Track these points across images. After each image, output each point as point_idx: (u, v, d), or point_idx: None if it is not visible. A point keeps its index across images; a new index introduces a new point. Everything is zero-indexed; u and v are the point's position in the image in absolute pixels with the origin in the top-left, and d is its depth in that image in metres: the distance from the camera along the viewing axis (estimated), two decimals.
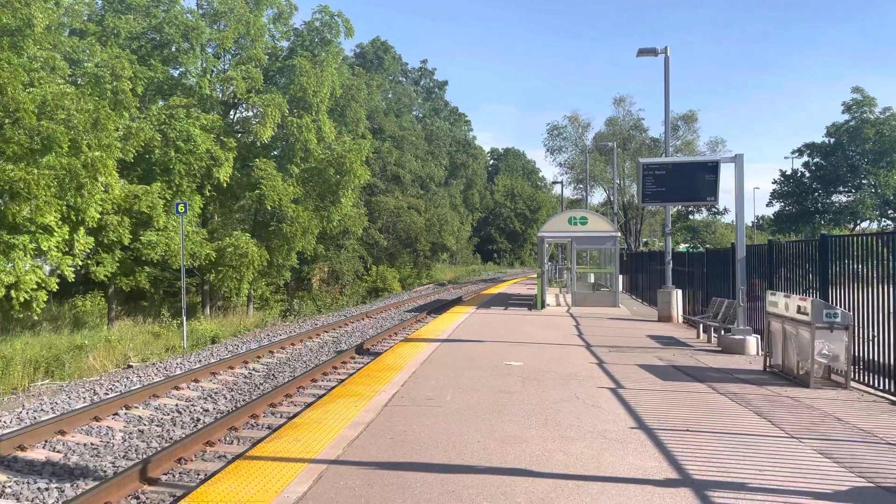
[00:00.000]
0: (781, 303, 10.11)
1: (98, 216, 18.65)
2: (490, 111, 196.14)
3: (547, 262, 28.43)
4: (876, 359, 8.87)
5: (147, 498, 6.88)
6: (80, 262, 19.06)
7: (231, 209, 29.26)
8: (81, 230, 18.41)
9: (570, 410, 7.63)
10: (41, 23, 18.36)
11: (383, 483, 5.25)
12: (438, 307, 28.49)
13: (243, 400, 11.77)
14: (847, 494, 5.03)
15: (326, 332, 20.96)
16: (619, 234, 27.89)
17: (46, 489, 7.23)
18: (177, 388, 12.12)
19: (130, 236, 20.72)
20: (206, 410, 10.94)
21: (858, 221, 50.78)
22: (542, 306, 22.16)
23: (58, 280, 17.61)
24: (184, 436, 9.15)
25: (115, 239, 20.29)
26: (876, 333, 8.80)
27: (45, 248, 16.88)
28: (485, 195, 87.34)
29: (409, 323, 22.50)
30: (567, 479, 5.33)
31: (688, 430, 6.80)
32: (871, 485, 5.24)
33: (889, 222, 49.98)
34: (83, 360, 15.37)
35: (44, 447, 8.64)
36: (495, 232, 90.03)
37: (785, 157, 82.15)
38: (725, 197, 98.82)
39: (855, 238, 10.01)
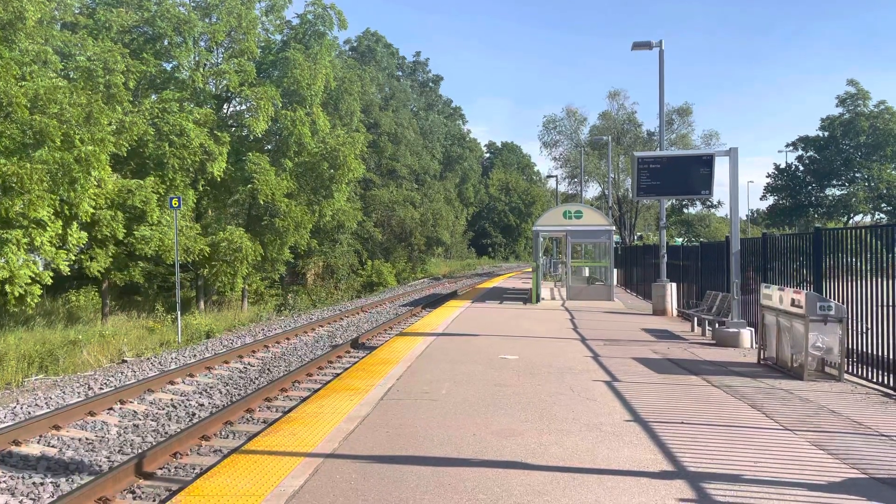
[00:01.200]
0: (776, 296, 10.14)
1: (91, 211, 18.58)
2: (485, 105, 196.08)
3: (542, 256, 28.47)
4: (870, 351, 8.91)
5: (143, 492, 6.87)
6: (74, 257, 18.98)
7: (225, 204, 29.17)
8: (74, 225, 18.34)
9: (566, 403, 7.65)
10: (33, 16, 18.24)
11: (379, 476, 5.25)
12: (433, 301, 28.49)
13: (238, 394, 11.76)
14: (841, 486, 5.06)
15: (321, 326, 20.94)
16: (614, 227, 27.93)
17: (41, 484, 7.21)
18: (171, 382, 12.10)
19: (124, 231, 20.64)
20: (202, 405, 10.92)
21: (852, 215, 50.98)
22: (538, 300, 22.19)
23: (52, 275, 17.55)
24: (179, 430, 9.14)
25: (109, 234, 20.22)
26: (870, 326, 8.84)
27: (38, 243, 16.80)
28: (479, 189, 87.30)
29: (405, 317, 22.50)
30: (563, 471, 5.35)
31: (682, 423, 6.82)
32: (865, 476, 5.27)
33: (882, 216, 50.17)
34: (77, 355, 15.33)
35: (38, 442, 8.61)
36: (490, 226, 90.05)
37: (779, 151, 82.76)
38: (720, 190, 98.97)
39: (849, 231, 10.04)
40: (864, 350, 9.05)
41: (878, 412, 7.39)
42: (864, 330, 8.98)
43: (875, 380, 8.82)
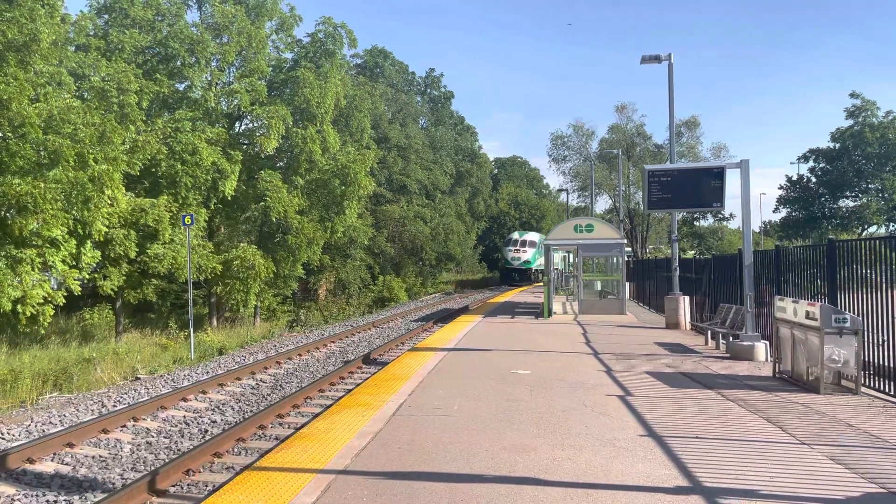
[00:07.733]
0: (790, 308, 10.06)
1: (105, 230, 18.69)
2: (497, 120, 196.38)
3: (553, 270, 28.38)
4: (887, 364, 8.80)
5: None
6: (87, 276, 19.08)
7: (237, 221, 29.33)
8: (88, 244, 18.46)
9: (579, 418, 7.59)
10: (47, 38, 18.48)
11: (392, 493, 5.22)
12: (445, 316, 28.45)
13: (251, 411, 11.76)
14: (859, 501, 4.99)
15: (333, 342, 20.95)
16: (626, 241, 27.85)
17: (55, 502, 7.23)
18: (184, 399, 12.12)
19: (137, 249, 20.77)
20: (214, 422, 10.93)
21: (866, 226, 50.53)
22: (549, 314, 22.10)
23: (65, 294, 17.65)
24: (192, 447, 9.15)
25: (122, 252, 20.33)
26: (886, 338, 8.74)
27: (51, 263, 16.92)
28: (490, 204, 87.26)
29: (416, 332, 22.46)
30: (576, 487, 5.30)
31: (697, 437, 6.75)
32: (884, 490, 5.19)
33: None
34: (91, 373, 15.40)
35: (52, 460, 8.64)
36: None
37: (791, 163, 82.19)
38: (732, 203, 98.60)
39: (863, 242, 9.96)
40: (882, 362, 8.94)
41: (895, 425, 7.29)
42: (881, 342, 8.88)
43: (893, 393, 8.71)
